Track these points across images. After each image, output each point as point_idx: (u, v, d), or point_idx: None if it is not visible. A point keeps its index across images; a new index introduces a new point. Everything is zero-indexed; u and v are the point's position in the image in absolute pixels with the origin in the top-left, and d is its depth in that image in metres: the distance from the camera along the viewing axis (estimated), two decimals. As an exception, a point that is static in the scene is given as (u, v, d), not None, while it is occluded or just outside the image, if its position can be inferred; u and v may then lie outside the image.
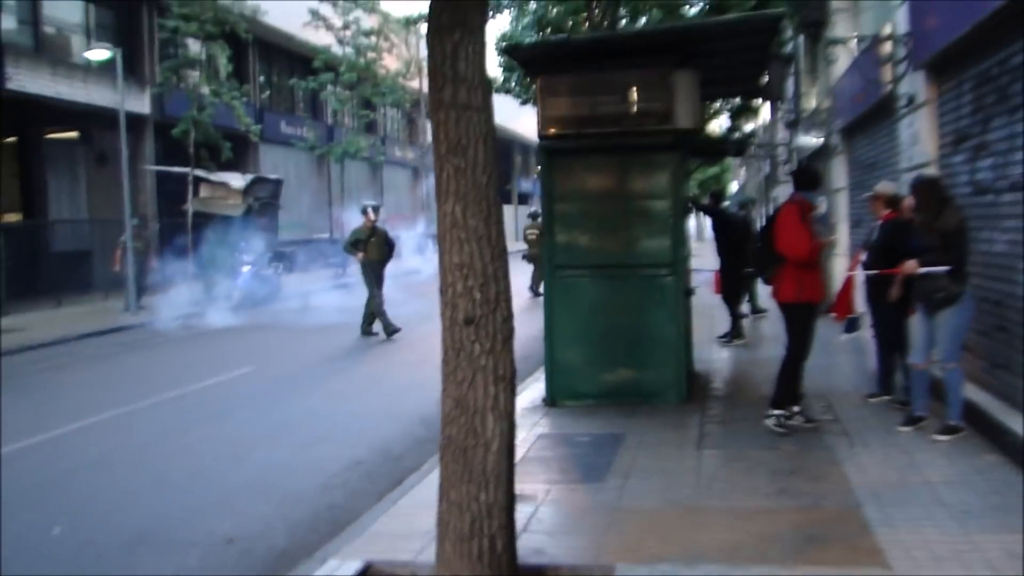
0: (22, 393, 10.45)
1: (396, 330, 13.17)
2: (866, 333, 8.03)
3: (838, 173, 13.30)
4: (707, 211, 11.92)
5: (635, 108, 7.48)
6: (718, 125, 21.16)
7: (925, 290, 6.26)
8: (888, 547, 4.48)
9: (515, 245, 14.35)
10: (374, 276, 13.53)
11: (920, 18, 7.70)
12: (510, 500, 3.89)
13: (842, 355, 9.61)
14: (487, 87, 3.87)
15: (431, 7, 3.87)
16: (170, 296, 18.16)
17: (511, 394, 3.87)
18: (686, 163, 8.33)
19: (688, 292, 8.43)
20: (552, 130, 7.74)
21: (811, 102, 15.20)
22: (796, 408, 6.87)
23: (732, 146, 12.02)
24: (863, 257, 7.38)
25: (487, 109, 3.86)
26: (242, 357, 12.37)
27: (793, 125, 16.04)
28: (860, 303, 7.62)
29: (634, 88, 7.47)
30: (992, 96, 6.49)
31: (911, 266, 6.22)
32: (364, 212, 13.95)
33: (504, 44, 12.26)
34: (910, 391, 6.92)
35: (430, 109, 3.93)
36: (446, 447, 3.85)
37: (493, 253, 3.82)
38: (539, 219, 15.13)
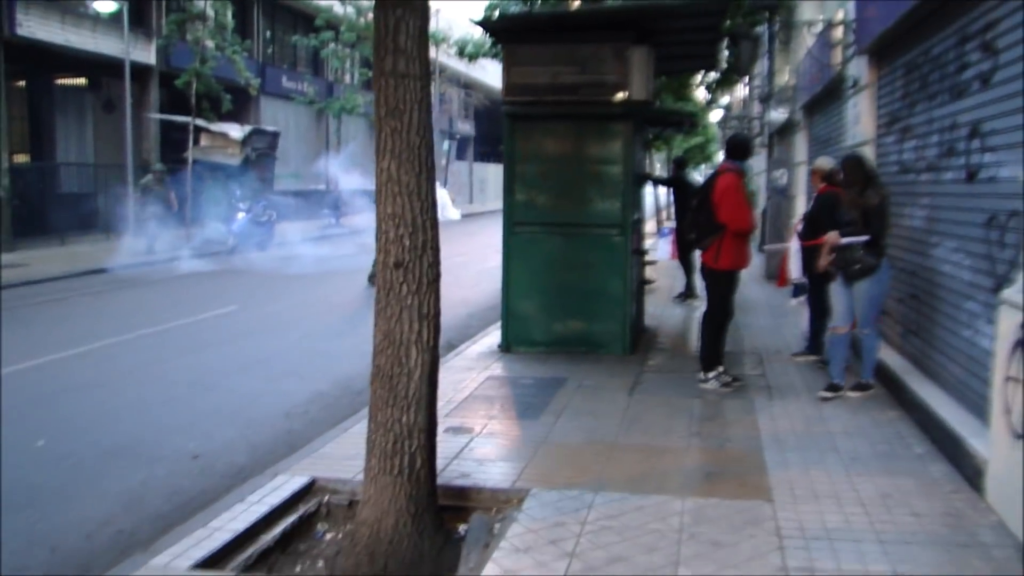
0: (21, 323, 11.08)
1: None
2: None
3: (799, 148, 13.79)
4: (663, 183, 12.44)
5: (592, 79, 7.97)
6: (699, 97, 21.63)
7: (844, 260, 6.65)
8: (776, 484, 4.99)
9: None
10: None
11: (864, 6, 8.14)
12: (430, 424, 4.41)
13: (787, 318, 10.15)
14: (425, 59, 4.37)
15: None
16: (164, 239, 18.75)
17: (434, 330, 4.38)
18: (640, 132, 8.83)
19: (639, 251, 8.96)
20: (515, 96, 8.25)
21: (783, 78, 15.68)
22: (722, 368, 7.28)
23: (685, 117, 12.47)
24: (799, 228, 7.89)
25: (424, 78, 4.35)
26: (229, 297, 13.00)
27: (765, 100, 16.50)
28: (797, 270, 8.11)
29: (592, 60, 7.97)
30: (916, 83, 6.95)
31: (832, 237, 6.63)
32: None
33: (485, 14, 12.70)
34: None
35: (373, 76, 4.42)
36: (375, 375, 4.37)
37: (423, 206, 4.33)
38: None
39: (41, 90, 23.05)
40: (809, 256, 7.54)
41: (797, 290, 8.40)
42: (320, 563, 4.37)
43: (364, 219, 26.20)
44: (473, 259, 18.05)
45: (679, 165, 12.38)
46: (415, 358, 4.29)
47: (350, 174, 26.02)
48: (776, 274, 8.61)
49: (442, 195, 22.67)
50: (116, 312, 12.18)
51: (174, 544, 4.28)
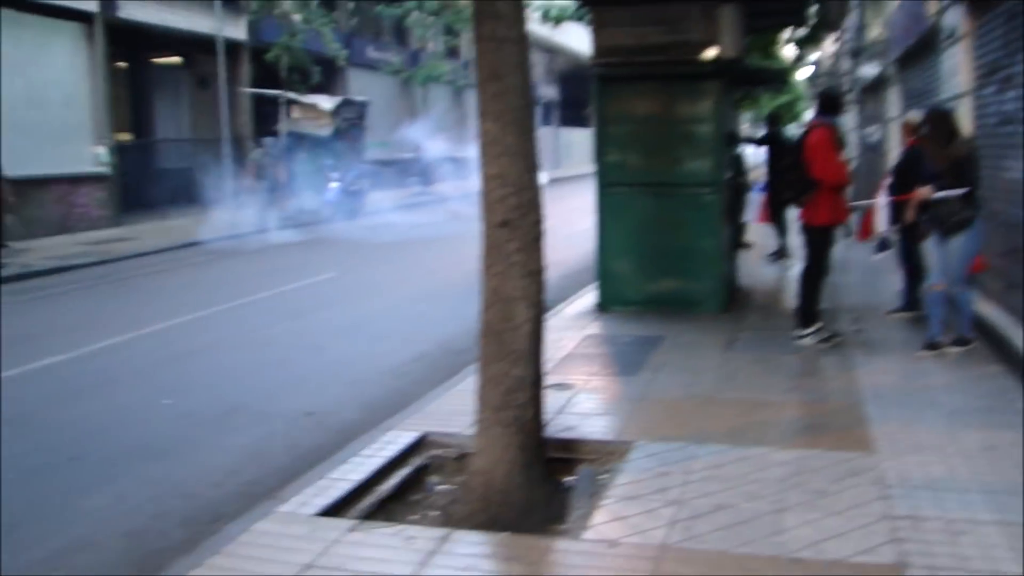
0: (135, 291, 11.70)
1: None
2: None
3: (892, 103, 13.49)
4: (758, 141, 12.27)
5: (680, 39, 7.99)
6: (785, 54, 21.26)
7: (940, 215, 6.56)
8: (877, 437, 5.03)
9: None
10: None
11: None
12: (537, 376, 4.57)
13: (880, 274, 10.03)
14: (522, 22, 4.49)
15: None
16: (263, 210, 19.31)
17: (539, 286, 4.53)
18: (730, 90, 8.83)
19: (733, 211, 8.99)
20: (604, 58, 8.32)
21: (874, 32, 15.31)
22: (820, 324, 7.28)
23: (774, 75, 12.30)
24: (887, 182, 7.80)
25: (522, 41, 4.48)
26: (326, 265, 13.37)
27: (856, 55, 16.14)
28: (884, 224, 7.92)
29: (680, 20, 7.99)
30: (1018, 30, 6.80)
31: (925, 191, 6.54)
32: None
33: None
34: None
35: (474, 41, 4.57)
36: (484, 330, 4.55)
37: (526, 165, 4.47)
38: None
39: (140, 70, 23.79)
40: (899, 211, 7.43)
41: (882, 244, 8.27)
42: (435, 512, 4.56)
43: (451, 186, 26.52)
44: (562, 222, 18.10)
45: (773, 121, 12.23)
46: (523, 313, 4.44)
47: (437, 141, 26.31)
48: (858, 229, 8.44)
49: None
50: (220, 281, 12.66)
51: (297, 494, 4.53)
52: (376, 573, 3.67)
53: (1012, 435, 5.00)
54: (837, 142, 7.22)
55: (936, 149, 6.57)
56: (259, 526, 4.17)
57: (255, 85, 23.53)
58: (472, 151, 21.18)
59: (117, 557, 4.22)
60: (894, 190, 7.53)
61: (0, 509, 4.75)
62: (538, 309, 4.53)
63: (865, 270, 10.40)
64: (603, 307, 8.64)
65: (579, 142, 46.16)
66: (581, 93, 46.40)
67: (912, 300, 7.96)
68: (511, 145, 4.42)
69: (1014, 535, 3.79)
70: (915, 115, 7.93)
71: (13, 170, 15.33)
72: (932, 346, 6.77)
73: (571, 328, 8.02)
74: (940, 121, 6.62)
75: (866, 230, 8.12)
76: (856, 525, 3.93)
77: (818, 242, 7.24)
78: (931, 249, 6.98)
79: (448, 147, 27.87)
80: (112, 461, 5.47)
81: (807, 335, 7.20)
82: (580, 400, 5.95)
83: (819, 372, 6.48)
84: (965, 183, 6.40)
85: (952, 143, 6.49)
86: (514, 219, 4.42)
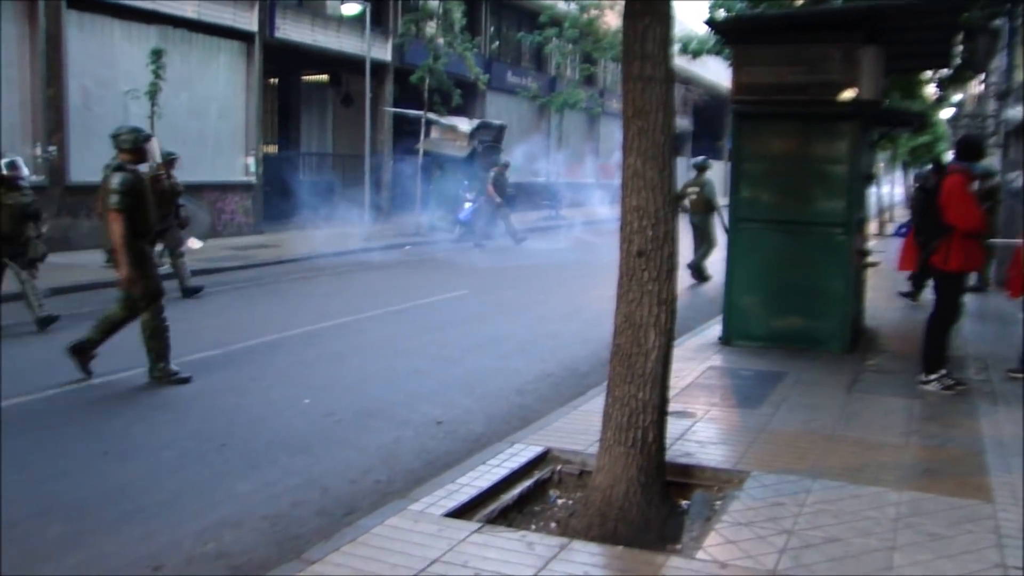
0: (276, 296, 12.38)
1: None
2: None
3: (1039, 148, 13.13)
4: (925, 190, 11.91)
5: (820, 79, 8.08)
6: (927, 94, 20.80)
7: None
8: (997, 486, 5.02)
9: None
10: None
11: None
12: (662, 401, 4.77)
13: (1016, 326, 9.75)
14: (668, 63, 4.74)
15: (626, -3, 4.76)
16: (398, 226, 20.01)
17: (671, 315, 4.73)
18: (868, 131, 8.85)
19: (863, 252, 8.98)
20: (742, 95, 8.49)
21: (1022, 75, 14.91)
22: (944, 371, 7.21)
23: (914, 117, 12.13)
24: None
25: (668, 81, 4.72)
26: (460, 282, 13.85)
27: (1003, 97, 15.71)
28: None
29: (820, 60, 8.09)
30: None
31: None
32: None
33: (711, 13, 12.90)
34: None
35: (621, 80, 4.84)
36: (615, 353, 4.78)
37: (665, 199, 4.69)
38: (704, 173, 14.95)
39: (289, 86, 24.96)
40: None
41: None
42: (553, 524, 4.81)
43: (580, 212, 26.84)
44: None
45: (937, 169, 11.81)
46: (652, 340, 4.66)
47: (570, 168, 26.68)
48: (1005, 280, 8.13)
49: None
50: (357, 291, 13.27)
51: (427, 495, 4.84)
52: (499, 572, 3.94)
53: None
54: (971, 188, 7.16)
55: None
56: (391, 521, 4.49)
57: (397, 105, 24.37)
58: (603, 179, 21.57)
59: (259, 537, 4.60)
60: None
61: (160, 484, 5.25)
62: (667, 337, 4.73)
63: (1003, 319, 10.17)
64: (727, 340, 8.76)
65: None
66: (715, 124, 46.10)
67: None
68: (651, 179, 4.66)
69: None
70: None
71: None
72: None
73: (694, 359, 8.18)
74: None
75: (1017, 284, 7.82)
76: (968, 571, 3.99)
77: (949, 288, 7.22)
78: None
79: (580, 173, 28.21)
80: (257, 451, 5.93)
81: (931, 381, 7.17)
82: (700, 428, 6.12)
83: (941, 418, 6.46)
84: None
85: None
86: (650, 250, 4.65)
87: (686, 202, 14.08)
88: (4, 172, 9.52)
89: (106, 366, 7.68)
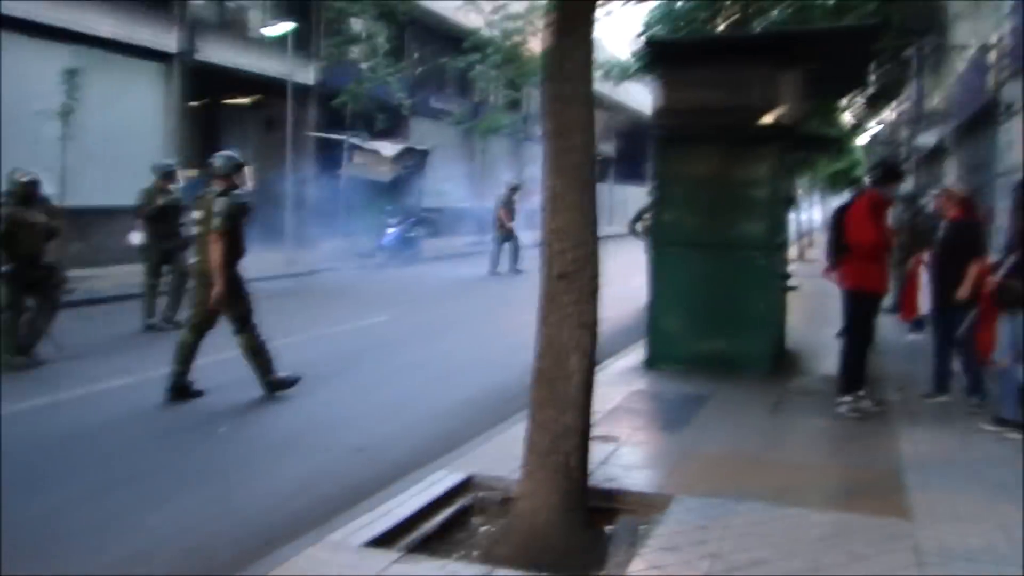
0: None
1: None
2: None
3: (949, 172, 13.52)
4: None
5: (742, 102, 8.19)
6: (845, 121, 21.41)
7: (1004, 289, 6.58)
8: (916, 505, 5.09)
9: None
10: None
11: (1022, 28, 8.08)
12: (585, 426, 4.69)
13: (907, 354, 9.78)
14: (590, 84, 4.71)
15: (549, 19, 4.72)
16: (320, 251, 19.76)
17: (592, 338, 4.67)
18: (787, 154, 9.00)
19: (783, 275, 9.09)
20: (664, 119, 8.56)
21: (933, 102, 15.40)
22: (861, 392, 7.29)
23: (832, 143, 12.42)
24: (926, 257, 7.72)
25: (589, 102, 4.69)
26: (381, 308, 13.64)
27: (914, 123, 16.21)
28: (926, 303, 7.85)
29: (742, 84, 8.21)
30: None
31: (981, 269, 6.63)
32: None
33: (640, 36, 13.06)
34: (973, 390, 7.31)
35: (543, 100, 4.80)
36: (537, 377, 4.70)
37: (586, 221, 4.65)
38: None
39: (211, 110, 24.53)
40: (943, 286, 7.40)
41: (919, 324, 8.14)
42: (476, 552, 4.68)
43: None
44: (613, 279, 18.22)
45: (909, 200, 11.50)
46: (575, 363, 4.60)
47: (493, 192, 26.66)
48: (898, 305, 8.20)
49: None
50: (276, 318, 12.83)
51: (346, 524, 4.70)
52: (421, 605, 3.81)
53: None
54: (881, 211, 7.28)
55: (1018, 224, 6.65)
56: (309, 551, 4.35)
57: (321, 129, 24.15)
58: (531, 204, 21.50)
59: (172, 570, 4.41)
60: (937, 265, 7.51)
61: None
62: (590, 360, 4.68)
63: (900, 349, 10.31)
64: (651, 364, 8.75)
65: (634, 198, 46.28)
66: (637, 149, 46.67)
67: (944, 383, 7.74)
68: (573, 201, 4.62)
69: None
70: (957, 187, 7.94)
71: (83, 200, 15.88)
72: (1000, 422, 6.70)
73: (618, 383, 8.15)
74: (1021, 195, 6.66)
75: (909, 307, 8.03)
76: (891, 593, 4.01)
77: (854, 307, 7.35)
78: (1003, 325, 6.85)
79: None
80: (170, 482, 5.71)
81: (844, 403, 7.24)
82: (624, 453, 6.07)
83: (862, 438, 6.52)
84: None
85: None
86: (572, 272, 4.60)
87: (638, 227, 13.87)
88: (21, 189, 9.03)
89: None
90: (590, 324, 4.66)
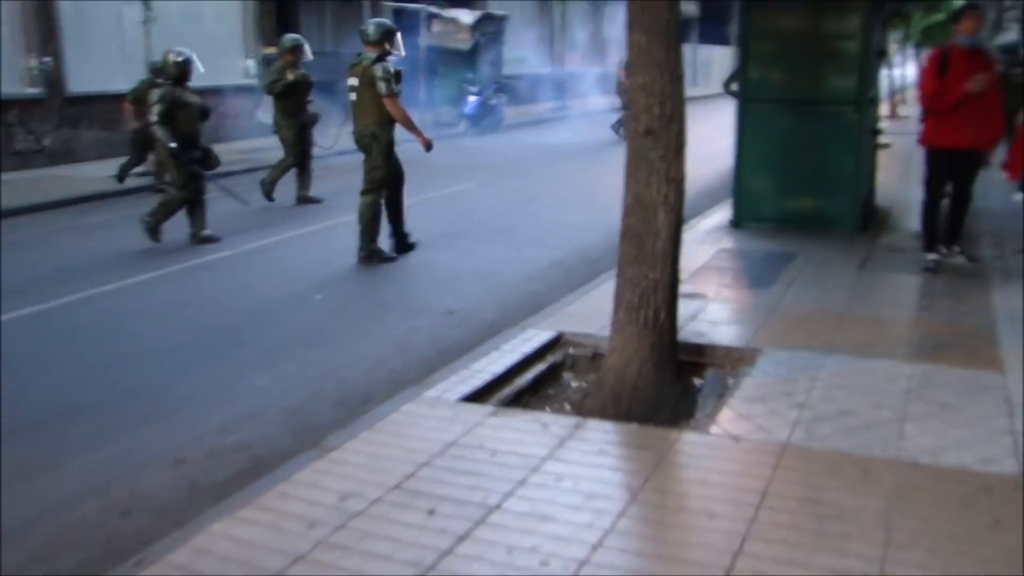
0: (285, 196, 12.21)
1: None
2: None
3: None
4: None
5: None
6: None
7: None
8: (1008, 358, 5.06)
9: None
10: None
11: None
12: (674, 281, 4.76)
13: (1011, 213, 9.26)
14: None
15: None
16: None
17: (679, 194, 4.69)
18: (879, 8, 8.64)
19: (874, 131, 8.85)
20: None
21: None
22: (955, 248, 7.24)
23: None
24: None
25: (672, -44, 4.60)
26: (467, 176, 13.72)
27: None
28: None
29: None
30: None
31: None
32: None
33: None
34: None
35: (625, -44, 4.70)
36: (625, 234, 4.75)
37: (671, 77, 4.60)
38: None
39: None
40: None
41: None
42: (567, 406, 4.85)
43: (588, 103, 26.50)
44: (698, 140, 17.92)
45: (1009, 52, 10.93)
46: (662, 219, 4.63)
47: (574, 58, 26.21)
48: (1006, 162, 7.61)
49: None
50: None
51: (442, 381, 4.88)
52: (515, 452, 3.99)
53: None
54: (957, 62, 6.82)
55: None
56: (407, 407, 4.54)
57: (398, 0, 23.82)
58: (608, 69, 20.99)
59: (278, 429, 4.67)
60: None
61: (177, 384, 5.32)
62: (677, 216, 4.71)
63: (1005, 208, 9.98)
64: (737, 223, 8.72)
65: (718, 60, 44.99)
66: (721, 10, 45.02)
67: None
68: (657, 56, 4.56)
69: None
70: None
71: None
72: None
73: (705, 242, 8.15)
74: None
75: (1015, 166, 7.53)
76: (978, 437, 4.04)
77: (925, 163, 7.22)
78: None
79: (585, 64, 27.72)
80: (272, 347, 5.97)
81: (927, 258, 7.18)
82: (712, 309, 6.14)
83: (954, 294, 6.44)
84: None
85: None
86: (658, 128, 4.59)
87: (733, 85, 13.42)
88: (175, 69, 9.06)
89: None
90: (677, 179, 4.66)
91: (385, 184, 8.21)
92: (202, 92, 17.82)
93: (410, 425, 4.33)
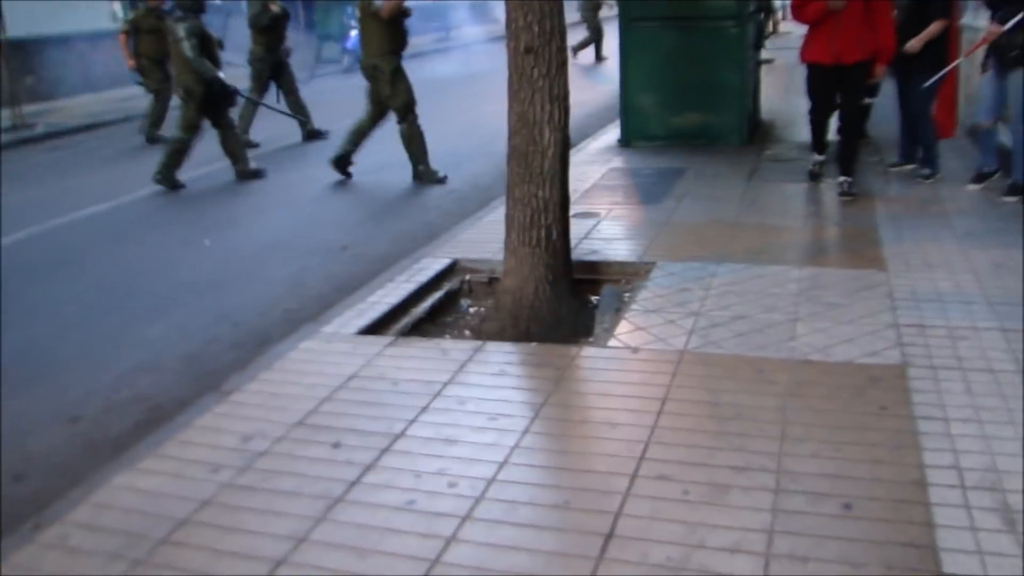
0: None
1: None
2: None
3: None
4: None
5: None
6: None
7: (1001, 46, 6.02)
8: (890, 256, 5.24)
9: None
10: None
11: None
12: (564, 199, 4.75)
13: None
14: None
15: None
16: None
17: (564, 111, 4.65)
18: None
19: (756, 46, 8.95)
20: None
21: None
22: (820, 157, 7.17)
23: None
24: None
25: None
26: (353, 112, 13.33)
27: None
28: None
29: None
30: None
31: (994, 29, 5.93)
32: None
33: None
34: (926, 161, 6.97)
35: None
36: (512, 154, 4.71)
37: (549, -8, 4.55)
38: None
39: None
40: (902, 52, 6.66)
41: (870, 90, 7.24)
42: (467, 331, 4.84)
43: (472, 32, 26.16)
44: (585, 60, 17.93)
45: None
46: (548, 137, 4.60)
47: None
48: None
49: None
50: (253, 127, 12.71)
51: (338, 316, 4.81)
52: (416, 380, 3.96)
53: (1021, 254, 5.16)
54: None
55: None
56: (304, 345, 4.47)
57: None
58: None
59: (176, 377, 4.54)
60: (904, 27, 6.65)
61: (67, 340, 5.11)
62: (563, 133, 4.68)
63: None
64: (626, 142, 8.76)
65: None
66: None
67: (911, 151, 7.28)
68: (535, -29, 4.48)
69: (1011, 339, 4.04)
70: None
71: (28, 30, 15.27)
72: (981, 177, 6.62)
73: (595, 162, 8.17)
74: None
75: (947, 123, 7.14)
76: (864, 332, 4.17)
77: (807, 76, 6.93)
78: (984, 84, 6.45)
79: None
80: (163, 295, 5.78)
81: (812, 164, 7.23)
82: (604, 227, 6.17)
83: (838, 199, 6.62)
84: None
85: None
86: (538, 46, 4.53)
87: None
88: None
89: None
90: (561, 97, 4.63)
91: (411, 105, 8.35)
92: (68, 38, 17.18)
93: (309, 362, 4.26)
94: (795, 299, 4.64)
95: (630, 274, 5.27)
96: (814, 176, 7.14)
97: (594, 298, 5.12)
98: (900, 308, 4.46)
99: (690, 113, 8.55)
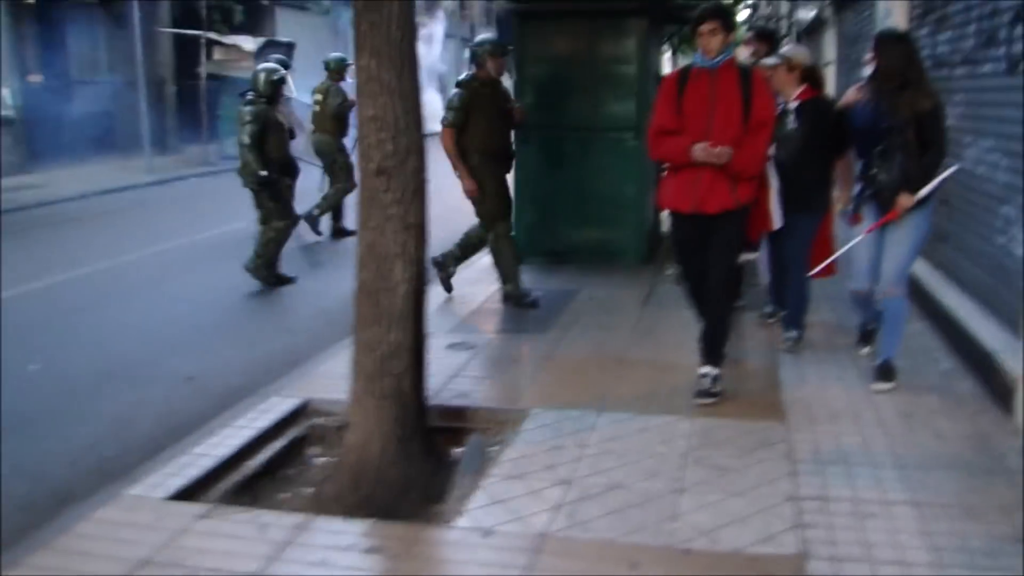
0: (28, 244, 10.88)
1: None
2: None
3: (828, 47, 13.19)
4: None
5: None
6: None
7: (883, 185, 4.81)
8: (790, 403, 4.75)
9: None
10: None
11: None
12: (418, 342, 4.12)
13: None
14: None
15: None
16: (184, 156, 18.57)
17: (421, 241, 4.07)
18: (657, 31, 8.43)
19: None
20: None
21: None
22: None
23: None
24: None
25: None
26: (246, 212, 12.66)
27: (794, -2, 15.82)
28: (779, 216, 5.46)
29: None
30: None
31: (904, 201, 4.71)
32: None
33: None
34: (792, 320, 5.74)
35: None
36: (359, 290, 4.09)
37: (405, 106, 3.97)
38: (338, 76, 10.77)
39: (50, 7, 22.56)
40: (794, 191, 5.39)
41: (750, 246, 5.62)
42: (310, 490, 4.14)
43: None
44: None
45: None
46: (400, 272, 4.00)
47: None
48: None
49: (436, 101, 21.80)
50: (129, 230, 11.93)
51: (153, 473, 4.07)
52: (217, 569, 3.23)
53: (932, 400, 4.78)
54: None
55: (890, 92, 4.72)
56: (100, 513, 3.71)
57: (174, 25, 22.50)
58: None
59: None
60: (789, 163, 5.36)
61: None
62: (418, 267, 4.08)
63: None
64: (519, 258, 8.19)
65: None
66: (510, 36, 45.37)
67: (782, 297, 5.93)
68: (388, 83, 3.94)
69: (925, 517, 3.52)
70: (798, 52, 5.73)
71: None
72: (867, 337, 5.60)
73: (482, 281, 7.58)
74: (896, 51, 4.75)
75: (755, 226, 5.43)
76: (759, 508, 3.61)
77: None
78: (859, 240, 5.08)
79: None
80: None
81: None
82: (479, 362, 5.57)
83: (736, 330, 6.08)
84: (939, 147, 4.75)
85: (910, 86, 4.69)
86: (391, 167, 3.96)
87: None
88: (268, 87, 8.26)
89: None
90: (416, 225, 4.04)
91: (494, 217, 6.96)
92: None
93: (98, 538, 3.52)
94: (682, 461, 4.05)
95: (499, 423, 4.63)
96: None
97: (457, 450, 4.44)
98: (801, 474, 3.90)
99: (587, 228, 8.11)
